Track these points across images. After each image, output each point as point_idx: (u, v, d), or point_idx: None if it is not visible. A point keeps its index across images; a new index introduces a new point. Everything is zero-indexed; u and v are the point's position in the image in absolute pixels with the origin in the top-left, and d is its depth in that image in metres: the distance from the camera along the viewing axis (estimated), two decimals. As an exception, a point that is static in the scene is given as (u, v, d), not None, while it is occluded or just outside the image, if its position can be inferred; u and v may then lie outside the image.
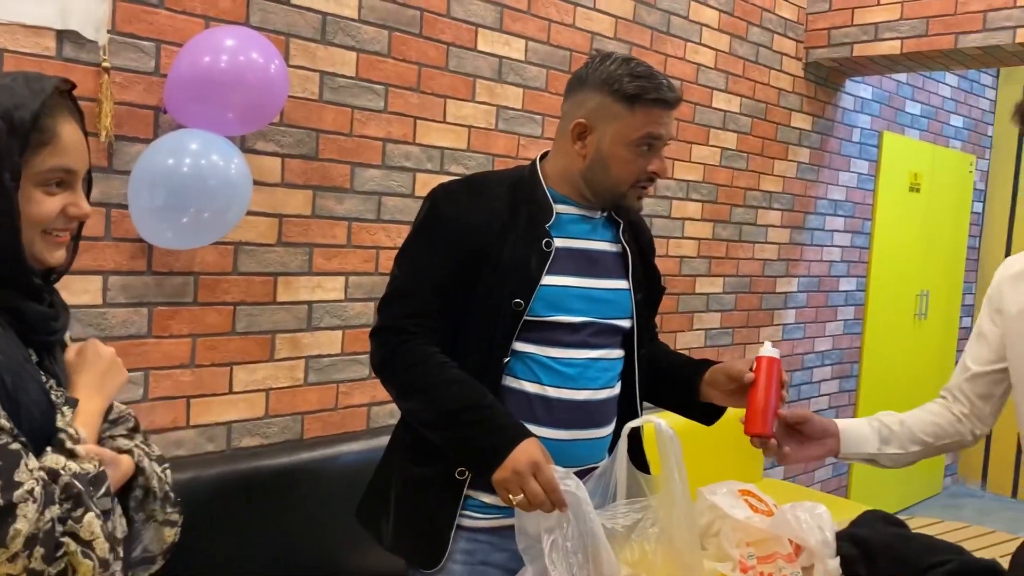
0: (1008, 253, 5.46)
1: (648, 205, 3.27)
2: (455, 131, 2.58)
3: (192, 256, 2.07)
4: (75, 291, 1.89)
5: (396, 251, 1.61)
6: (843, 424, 1.83)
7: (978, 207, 5.56)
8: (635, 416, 1.66)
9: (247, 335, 2.20)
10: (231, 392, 2.19)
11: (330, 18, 2.26)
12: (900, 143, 4.68)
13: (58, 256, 1.07)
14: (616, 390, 1.65)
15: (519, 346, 1.53)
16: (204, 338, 2.12)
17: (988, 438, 5.59)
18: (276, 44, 2.14)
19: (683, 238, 3.45)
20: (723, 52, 3.50)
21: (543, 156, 1.64)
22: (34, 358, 1.03)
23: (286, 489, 2.21)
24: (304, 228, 2.27)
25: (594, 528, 1.43)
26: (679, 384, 1.73)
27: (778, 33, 3.77)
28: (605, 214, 1.64)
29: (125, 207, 1.92)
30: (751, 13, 3.61)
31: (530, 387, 1.55)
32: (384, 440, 1.72)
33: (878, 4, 3.65)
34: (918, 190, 4.86)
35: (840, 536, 1.86)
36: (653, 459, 1.64)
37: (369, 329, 1.61)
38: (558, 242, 1.55)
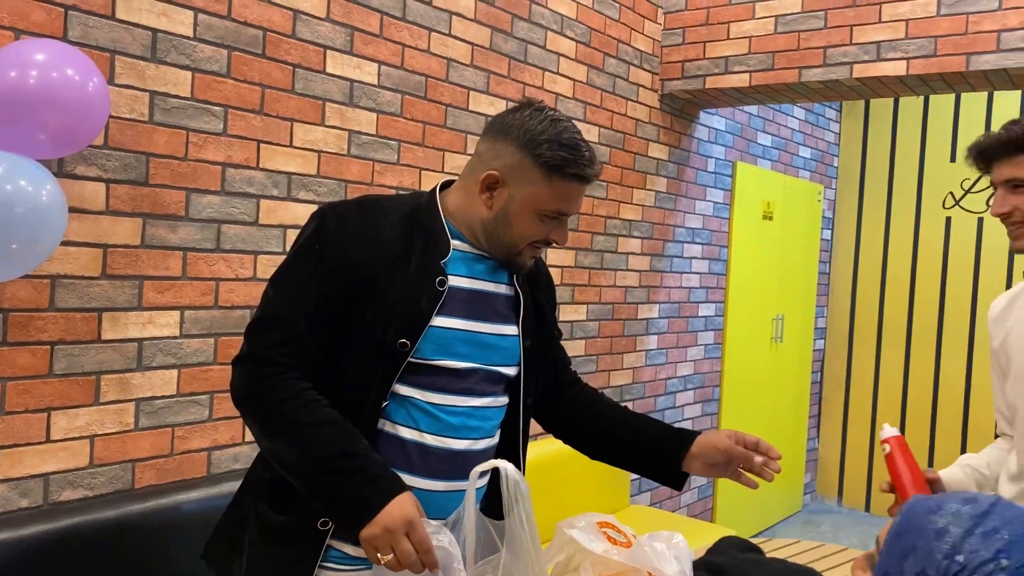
0: (855, 277, 5.77)
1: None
2: (303, 156, 2.47)
3: (0, 291, 1.87)
4: None
5: (238, 283, 1.49)
6: (944, 475, 1.85)
7: (827, 234, 5.85)
8: (516, 466, 1.58)
9: (67, 377, 2.00)
10: (49, 440, 1.98)
11: (161, 35, 2.11)
12: (753, 173, 4.86)
13: None
14: (495, 440, 1.58)
15: (400, 389, 1.44)
16: (15, 381, 1.91)
17: (843, 455, 5.85)
18: (99, 62, 1.98)
19: (548, 266, 3.44)
20: (580, 82, 3.53)
21: (443, 186, 1.56)
22: None
23: (116, 546, 2.01)
24: (133, 259, 2.09)
25: None
26: (659, 457, 1.67)
27: (634, 65, 3.84)
28: None
29: (-85, 237, 1.71)
30: (608, 44, 3.67)
31: (407, 433, 1.46)
32: (227, 487, 1.60)
33: (727, 39, 3.79)
34: (771, 218, 5.06)
35: (697, 565, 1.84)
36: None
37: (209, 367, 1.48)
38: (452, 280, 1.47)
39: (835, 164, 5.88)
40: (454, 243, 1.49)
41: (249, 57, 2.31)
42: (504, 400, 1.58)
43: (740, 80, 3.76)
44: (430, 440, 1.46)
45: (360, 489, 1.34)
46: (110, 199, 2.05)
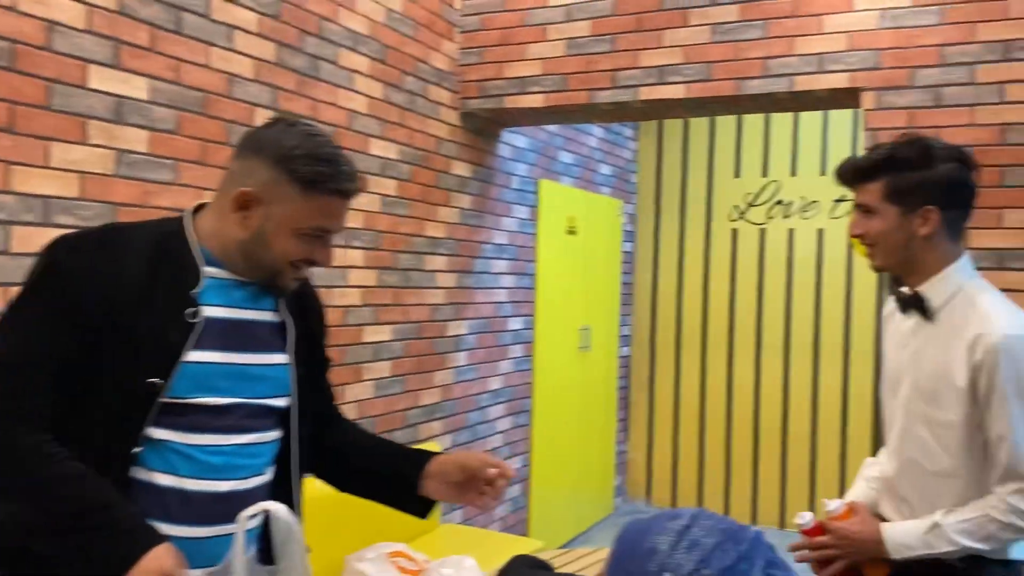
0: (655, 287, 6.07)
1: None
2: (63, 177, 2.27)
3: None
4: None
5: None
6: (853, 495, 1.91)
7: (628, 246, 6.12)
8: (290, 503, 1.51)
9: None
10: None
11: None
12: (556, 190, 5.01)
13: None
14: (268, 476, 1.49)
15: (153, 433, 1.34)
16: None
17: (649, 456, 6.12)
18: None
19: (347, 287, 3.36)
20: (377, 99, 3.49)
21: (197, 209, 1.46)
22: None
23: None
24: None
25: None
26: (391, 479, 1.61)
27: (432, 83, 3.85)
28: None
29: None
30: (404, 62, 3.65)
31: (165, 480, 1.36)
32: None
33: (523, 60, 3.87)
34: (575, 233, 5.22)
35: (487, 586, 1.84)
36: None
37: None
38: (208, 311, 1.38)
39: (633, 180, 6.17)
40: (208, 270, 1.40)
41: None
42: (275, 434, 1.50)
43: (536, 100, 3.86)
44: (191, 485, 1.37)
45: (111, 545, 1.25)
46: None
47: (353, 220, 3.37)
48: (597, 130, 5.59)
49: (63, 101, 2.27)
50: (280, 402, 1.49)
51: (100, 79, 2.37)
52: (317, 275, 3.17)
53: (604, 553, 2.93)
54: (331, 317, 3.27)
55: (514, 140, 4.58)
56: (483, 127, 4.24)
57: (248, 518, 1.40)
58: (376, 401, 3.57)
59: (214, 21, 2.72)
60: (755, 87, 3.48)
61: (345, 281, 3.35)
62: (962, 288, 1.72)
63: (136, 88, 2.46)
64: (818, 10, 3.37)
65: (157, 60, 2.53)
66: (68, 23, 2.27)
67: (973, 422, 1.66)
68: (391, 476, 1.61)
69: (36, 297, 1.32)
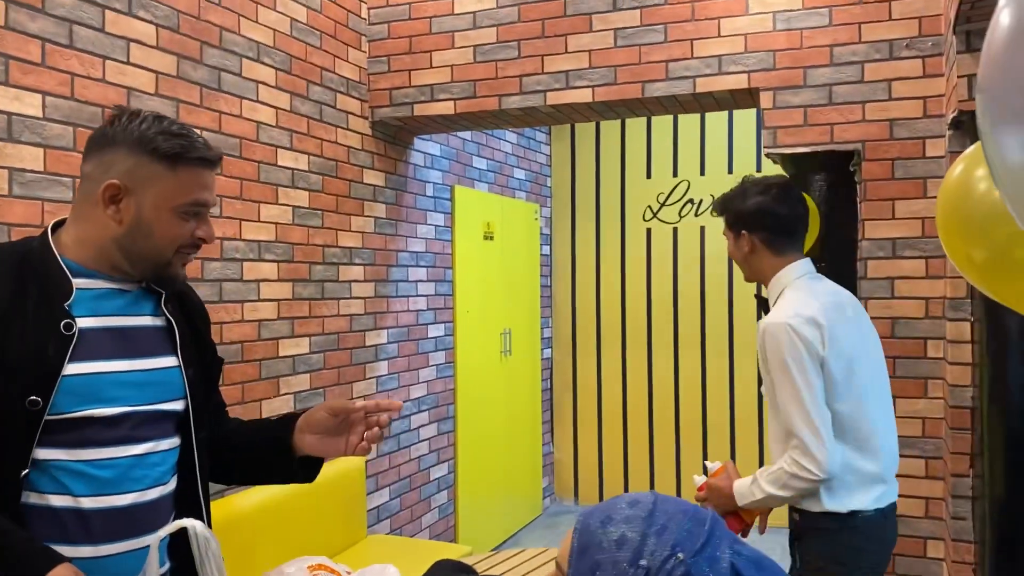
0: (574, 288, 6.15)
1: (216, 269, 3.08)
2: (-49, 199, 2.19)
3: None
4: None
5: None
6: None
7: (546, 250, 6.19)
8: (198, 510, 1.49)
9: None
10: None
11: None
12: (471, 195, 5.03)
13: None
14: (171, 486, 1.46)
15: (41, 453, 1.31)
16: None
17: (575, 456, 6.19)
18: None
19: (260, 300, 3.31)
20: (284, 110, 3.45)
21: (57, 225, 1.44)
22: None
23: None
24: None
25: None
26: (266, 448, 1.58)
27: (341, 92, 3.83)
28: (143, 285, 1.46)
29: None
30: (311, 72, 3.62)
31: (58, 501, 1.33)
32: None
33: (431, 67, 3.89)
34: (492, 238, 5.26)
35: (409, 594, 1.85)
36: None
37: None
38: (84, 322, 1.35)
39: (548, 184, 6.24)
40: (79, 281, 1.38)
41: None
42: (175, 441, 1.48)
43: (446, 108, 3.87)
44: (87, 503, 1.34)
45: (7, 574, 1.20)
46: None
47: (265, 233, 3.33)
48: (510, 135, 5.64)
49: (-52, 119, 2.18)
50: (175, 406, 1.47)
51: (-12, 96, 2.28)
52: (229, 290, 3.12)
53: (531, 553, 2.95)
54: (245, 331, 3.23)
55: (427, 147, 4.59)
56: (395, 135, 4.24)
57: (163, 537, 1.38)
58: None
59: (109, 34, 2.65)
60: (659, 89, 3.57)
61: (259, 295, 3.30)
62: (784, 288, 2.17)
63: (29, 105, 2.38)
64: (716, 14, 3.49)
65: (50, 75, 2.45)
66: (-50, 38, 2.19)
67: (771, 394, 2.09)
68: (267, 446, 1.59)
69: None
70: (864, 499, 2.06)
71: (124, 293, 1.43)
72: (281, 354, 3.43)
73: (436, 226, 4.69)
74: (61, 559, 1.23)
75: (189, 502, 1.50)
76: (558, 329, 6.22)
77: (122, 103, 2.69)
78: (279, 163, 3.42)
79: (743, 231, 2.21)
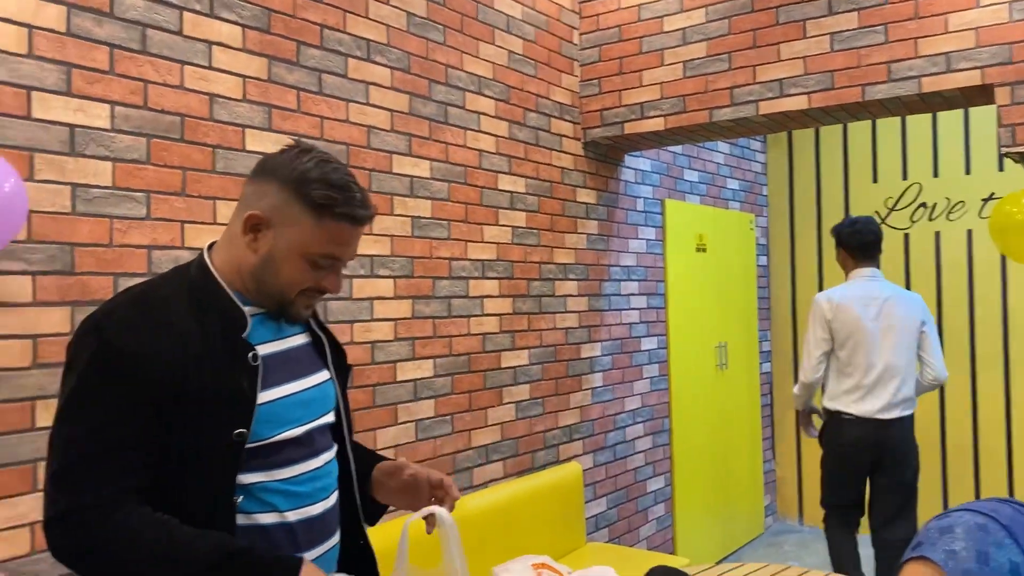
0: (794, 299, 5.96)
1: (445, 287, 3.34)
2: (229, 232, 2.54)
3: (-70, 389, 1.92)
4: None
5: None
6: None
7: (763, 260, 6.04)
8: (355, 512, 1.59)
9: (4, 467, 2.04)
10: (-13, 532, 2.02)
11: (79, 129, 2.20)
12: (682, 208, 5.04)
13: None
14: (337, 493, 1.56)
15: (244, 479, 1.35)
16: (-50, 477, 1.96)
17: (799, 474, 5.96)
18: (19, 160, 2.06)
19: (484, 315, 3.54)
20: (503, 137, 3.68)
21: (210, 247, 1.46)
22: None
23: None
24: (63, 347, 2.15)
25: None
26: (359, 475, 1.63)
27: (555, 116, 4.00)
28: None
29: None
30: (527, 100, 3.83)
31: (266, 519, 1.39)
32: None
33: (641, 86, 3.97)
34: (704, 250, 5.23)
35: (627, 596, 1.93)
36: (423, 555, 1.62)
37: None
38: (260, 350, 1.39)
39: (764, 193, 6.10)
40: (246, 309, 1.41)
41: (168, 143, 2.40)
42: (335, 450, 1.57)
43: (656, 124, 3.94)
44: (292, 516, 1.41)
45: None
46: (37, 290, 2.11)
47: (486, 253, 3.56)
48: (723, 146, 5.59)
49: (225, 164, 2.56)
50: (331, 417, 1.54)
51: (255, 142, 2.64)
52: (457, 306, 3.36)
53: (752, 568, 2.91)
54: (472, 344, 3.47)
55: (637, 163, 4.67)
56: (606, 154, 4.36)
57: (409, 523, 1.51)
58: (518, 423, 3.72)
59: (351, 80, 2.97)
60: (880, 92, 3.43)
61: (483, 310, 3.53)
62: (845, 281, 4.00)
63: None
64: (942, 9, 3.30)
65: (304, 120, 2.80)
66: (227, 94, 2.56)
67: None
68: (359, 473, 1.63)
69: (94, 382, 1.28)
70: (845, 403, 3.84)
71: (275, 317, 1.47)
72: (503, 365, 3.64)
73: (647, 240, 4.75)
74: (303, 559, 1.31)
75: (348, 505, 1.58)
76: (777, 342, 6.04)
77: (364, 141, 3.00)
78: (499, 187, 3.64)
79: (839, 247, 4.02)
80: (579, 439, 4.12)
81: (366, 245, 3.00)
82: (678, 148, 5.05)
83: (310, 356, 1.53)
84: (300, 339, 1.53)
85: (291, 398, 1.44)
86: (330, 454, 1.53)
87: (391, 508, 1.71)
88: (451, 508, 1.53)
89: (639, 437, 4.60)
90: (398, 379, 3.14)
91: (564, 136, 4.07)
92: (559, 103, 4.04)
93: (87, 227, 2.23)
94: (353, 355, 2.93)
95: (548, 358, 3.93)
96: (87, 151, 2.22)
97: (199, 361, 1.32)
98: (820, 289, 5.88)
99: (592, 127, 4.15)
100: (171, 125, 2.42)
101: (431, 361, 3.28)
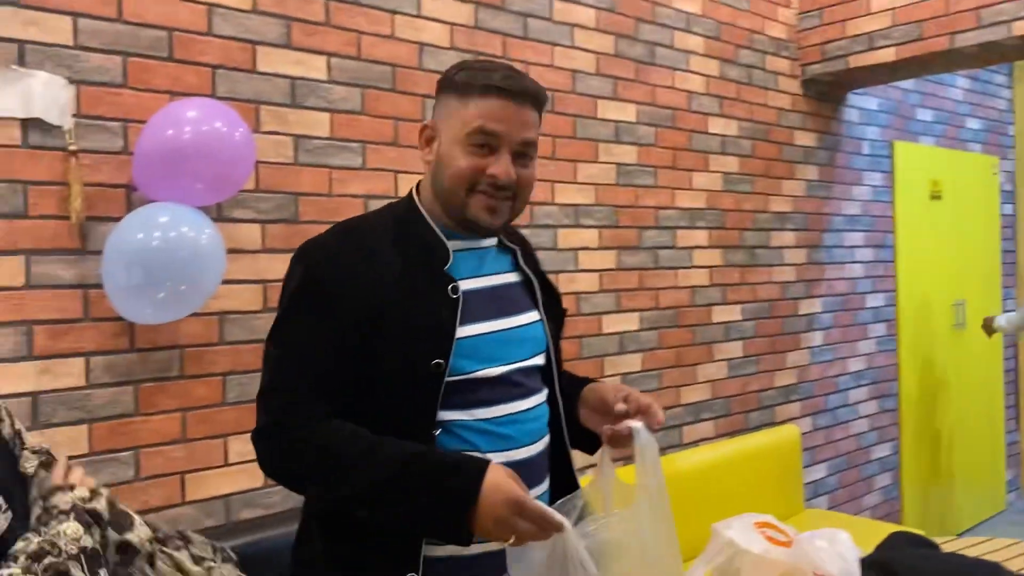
0: (1045, 253, 5.28)
1: (651, 237, 3.20)
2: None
3: (175, 329, 2.06)
4: (58, 374, 1.89)
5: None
6: None
7: (1008, 208, 5.39)
8: (566, 460, 1.49)
9: (239, 404, 2.17)
10: (227, 464, 2.15)
11: (299, 82, 2.27)
12: (914, 151, 4.56)
13: None
14: (547, 439, 1.48)
15: (445, 416, 1.33)
16: (194, 411, 2.10)
17: (1049, 448, 5.32)
18: (245, 112, 2.15)
19: (692, 267, 3.38)
20: (714, 77, 3.46)
21: (417, 188, 1.44)
22: None
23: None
24: (289, 292, 2.25)
25: (580, 555, 1.24)
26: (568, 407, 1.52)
27: (770, 53, 3.72)
28: (495, 242, 1.47)
29: (101, 287, 1.91)
30: (739, 36, 3.58)
31: None
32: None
33: (868, 13, 3.60)
34: (940, 197, 4.72)
35: (865, 563, 1.75)
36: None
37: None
38: (463, 285, 1.36)
39: (1010, 133, 5.41)
40: (450, 243, 1.38)
41: (380, 92, 2.43)
42: (545, 393, 1.49)
43: (886, 55, 3.55)
44: (495, 458, 1.29)
45: (448, 481, 1.21)
46: (266, 238, 2.21)
47: (695, 200, 3.38)
48: (962, 80, 5.00)
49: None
50: (540, 360, 1.47)
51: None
52: (664, 257, 3.22)
53: (1002, 543, 2.60)
54: (679, 297, 3.31)
55: (862, 102, 4.26)
56: (827, 92, 4.00)
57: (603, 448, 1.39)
58: (729, 382, 3.53)
59: (556, 23, 2.89)
60: None
61: (691, 262, 3.36)
62: None
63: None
64: None
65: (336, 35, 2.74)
66: (435, 43, 2.56)
67: None
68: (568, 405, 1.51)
69: (301, 307, 1.33)
70: None
71: (484, 251, 1.43)
72: (713, 320, 3.46)
73: (873, 187, 4.34)
74: (488, 462, 1.23)
75: (560, 453, 1.49)
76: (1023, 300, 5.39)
77: (568, 85, 2.92)
78: (709, 131, 3.44)
79: None
80: (796, 400, 3.86)
81: (569, 193, 2.93)
82: (909, 84, 4.56)
83: (518, 295, 1.47)
84: (508, 277, 1.47)
85: (493, 336, 1.39)
86: (538, 398, 1.45)
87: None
88: (653, 428, 1.39)
89: (862, 401, 4.25)
90: (603, 331, 3.06)
91: (780, 74, 3.77)
92: (775, 38, 3.75)
93: (308, 177, 2.29)
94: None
95: (762, 314, 3.70)
96: (306, 103, 2.29)
97: (399, 291, 1.32)
98: (1080, 240, 5.15)
99: (811, 63, 3.81)
100: (382, 75, 2.44)
101: (637, 314, 3.17)
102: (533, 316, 1.48)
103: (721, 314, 3.50)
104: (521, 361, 1.42)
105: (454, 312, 1.34)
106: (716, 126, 3.47)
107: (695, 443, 3.39)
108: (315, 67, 2.30)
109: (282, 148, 2.24)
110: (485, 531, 1.20)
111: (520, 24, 2.79)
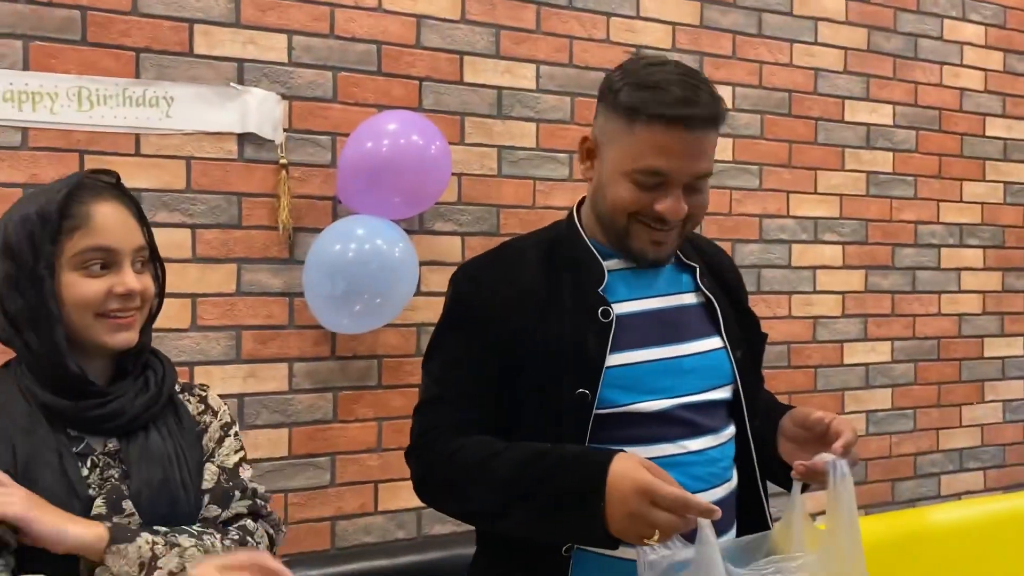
0: None
1: (911, 256, 2.80)
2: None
3: (374, 339, 2.08)
4: (263, 378, 1.98)
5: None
6: None
7: None
8: (761, 512, 1.30)
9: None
10: (420, 477, 2.15)
11: (505, 92, 2.22)
12: None
13: (121, 339, 1.06)
14: (733, 483, 1.29)
15: None
16: (390, 421, 2.11)
17: None
18: (450, 124, 2.14)
19: (961, 292, 2.90)
20: (995, 71, 2.95)
21: (581, 204, 1.34)
22: (77, 448, 1.03)
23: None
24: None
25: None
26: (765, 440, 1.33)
27: (1073, 40, 3.11)
28: (675, 261, 1.31)
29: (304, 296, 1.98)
30: (1031, 21, 3.03)
31: None
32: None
33: None
34: None
35: None
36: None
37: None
38: (621, 307, 1.23)
39: None
40: (608, 263, 1.25)
41: (591, 100, 2.32)
42: (728, 433, 1.29)
43: None
44: None
45: (571, 477, 1.09)
46: (465, 250, 2.18)
47: (965, 215, 2.90)
48: None
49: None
50: (725, 393, 1.29)
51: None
52: (923, 279, 2.81)
53: None
54: (944, 327, 2.85)
55: None
56: None
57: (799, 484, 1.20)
58: (1006, 427, 2.99)
59: (797, 17, 2.60)
60: None
61: (958, 286, 2.89)
62: None
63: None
64: None
65: (742, 67, 2.51)
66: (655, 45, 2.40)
67: None
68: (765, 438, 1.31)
69: (448, 329, 1.30)
70: None
71: (657, 271, 1.29)
72: (987, 355, 2.95)
73: None
74: (615, 451, 1.10)
75: (751, 499, 1.31)
76: None
77: (809, 87, 2.62)
78: (987, 133, 2.94)
79: None
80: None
81: (808, 205, 2.62)
82: None
83: (696, 320, 1.30)
84: (683, 299, 1.31)
85: (656, 364, 1.24)
86: (715, 437, 1.27)
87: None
88: (851, 461, 1.19)
89: None
90: (845, 362, 2.70)
91: (1086, 65, 3.15)
92: (1081, 22, 3.13)
93: (511, 189, 2.24)
94: (790, 330, 2.59)
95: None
96: (512, 113, 2.23)
97: (544, 315, 1.23)
98: None
99: None
100: (592, 82, 2.32)
101: (888, 343, 2.77)
102: (713, 343, 1.30)
103: (997, 347, 2.98)
104: (692, 395, 1.25)
105: (604, 337, 1.21)
106: (996, 128, 2.96)
107: (957, 495, 2.91)
108: (523, 76, 2.24)
109: (486, 160, 2.20)
110: (622, 529, 1.05)
111: (755, 20, 2.54)
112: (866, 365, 2.75)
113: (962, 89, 2.89)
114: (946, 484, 2.89)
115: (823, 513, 1.20)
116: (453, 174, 2.08)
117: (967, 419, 2.92)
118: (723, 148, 2.48)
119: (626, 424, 1.20)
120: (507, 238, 2.14)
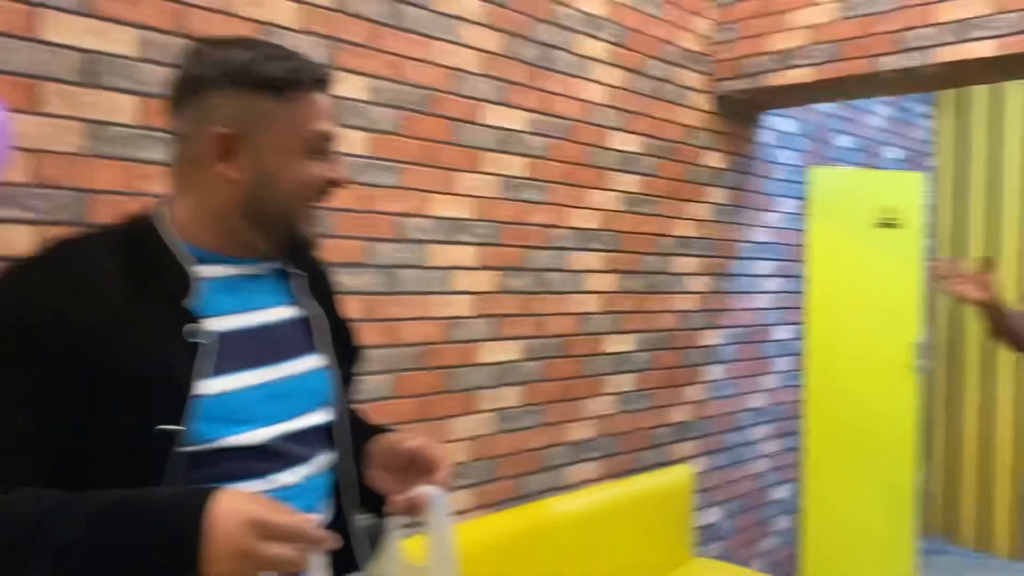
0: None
1: (540, 259, 2.90)
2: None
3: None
4: None
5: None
6: None
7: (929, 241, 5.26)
8: (348, 549, 1.20)
9: None
10: None
11: (96, 56, 1.90)
12: (832, 177, 4.36)
13: None
14: (328, 511, 1.19)
15: None
16: None
17: (959, 494, 5.21)
18: (20, 89, 1.77)
19: (584, 292, 3.09)
20: (617, 88, 3.18)
21: (168, 203, 1.14)
22: None
23: None
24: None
25: None
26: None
27: (681, 66, 3.46)
28: (274, 266, 1.18)
29: None
30: (648, 45, 3.30)
31: None
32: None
33: (787, 29, 3.36)
34: (894, 225, 4.53)
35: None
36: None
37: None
38: (215, 323, 1.07)
39: (929, 164, 5.29)
40: (202, 269, 1.08)
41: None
42: (327, 457, 1.19)
43: (803, 75, 3.33)
44: None
45: (160, 527, 0.90)
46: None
47: (590, 220, 3.09)
48: (881, 107, 4.84)
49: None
50: (321, 417, 1.18)
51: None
52: (550, 280, 2.92)
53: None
54: (567, 325, 3.02)
55: (779, 124, 4.05)
56: (741, 111, 3.77)
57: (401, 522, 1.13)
58: (618, 417, 3.25)
59: (436, 12, 2.56)
60: (1097, 34, 2.71)
61: (581, 286, 3.08)
62: None
63: (357, 88, 2.36)
64: None
65: (376, 58, 2.41)
66: (283, 24, 2.21)
67: None
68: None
69: None
70: None
71: (256, 279, 1.15)
72: (603, 351, 3.18)
73: (785, 213, 4.13)
74: (216, 488, 0.93)
75: (341, 534, 1.17)
76: (938, 336, 5.27)
77: (446, 85, 2.59)
78: (607, 146, 3.16)
79: None
80: (692, 439, 3.61)
81: (442, 205, 2.60)
82: (829, 108, 4.37)
83: (295, 335, 1.18)
84: (283, 312, 1.17)
85: (256, 390, 1.09)
86: (314, 466, 1.15)
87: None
88: (444, 487, 1.13)
89: (764, 439, 4.04)
90: (477, 361, 2.74)
91: (691, 89, 3.52)
92: (687, 50, 3.49)
93: (104, 171, 1.93)
94: (425, 332, 2.56)
95: (659, 344, 3.43)
96: (105, 82, 1.91)
97: (121, 333, 1.00)
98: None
99: (725, 79, 3.57)
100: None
101: (518, 342, 2.86)
102: (313, 361, 1.18)
103: (613, 343, 3.22)
104: (293, 420, 1.12)
105: (189, 361, 1.03)
106: (617, 141, 3.19)
107: (576, 485, 3.10)
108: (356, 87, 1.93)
109: (69, 135, 1.86)
110: (229, 572, 0.88)
111: (545, 56, 2.52)
112: (498, 364, 2.81)
113: (587, 102, 3.07)
114: (568, 475, 3.06)
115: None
116: (26, 150, 1.73)
117: (587, 412, 3.12)
118: (361, 143, 2.37)
119: (223, 460, 1.04)
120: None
